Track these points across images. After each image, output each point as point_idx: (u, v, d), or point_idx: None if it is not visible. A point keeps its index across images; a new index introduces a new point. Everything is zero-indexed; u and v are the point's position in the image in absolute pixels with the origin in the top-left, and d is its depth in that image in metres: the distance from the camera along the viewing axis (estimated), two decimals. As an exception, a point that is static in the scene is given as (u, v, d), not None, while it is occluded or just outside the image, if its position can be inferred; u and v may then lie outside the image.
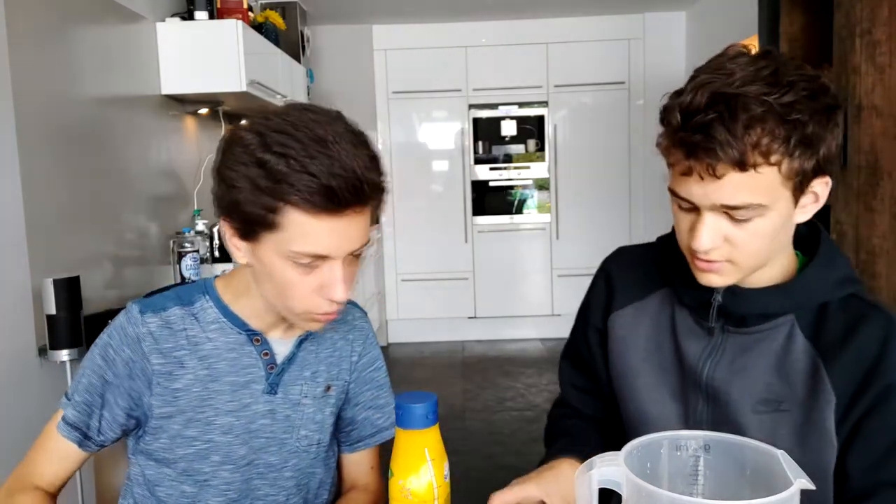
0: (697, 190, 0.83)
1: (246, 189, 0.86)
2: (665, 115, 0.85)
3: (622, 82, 5.09)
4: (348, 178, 0.85)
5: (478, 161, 5.24)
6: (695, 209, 0.86)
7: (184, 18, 2.85)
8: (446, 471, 0.72)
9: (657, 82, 5.01)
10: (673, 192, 0.88)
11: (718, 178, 0.80)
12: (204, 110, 3.21)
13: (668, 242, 1.02)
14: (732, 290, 0.92)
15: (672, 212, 0.92)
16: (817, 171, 0.84)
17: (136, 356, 0.98)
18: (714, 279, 0.90)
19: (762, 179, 0.80)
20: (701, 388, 0.96)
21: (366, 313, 1.19)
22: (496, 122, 5.25)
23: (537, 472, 0.93)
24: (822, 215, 0.97)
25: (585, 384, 1.14)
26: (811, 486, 0.61)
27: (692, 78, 0.85)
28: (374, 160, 0.90)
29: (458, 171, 5.20)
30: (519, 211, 5.29)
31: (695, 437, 0.73)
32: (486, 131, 5.26)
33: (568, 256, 5.13)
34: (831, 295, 0.92)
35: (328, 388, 1.08)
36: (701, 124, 0.79)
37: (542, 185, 5.26)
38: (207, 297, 1.02)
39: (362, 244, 0.93)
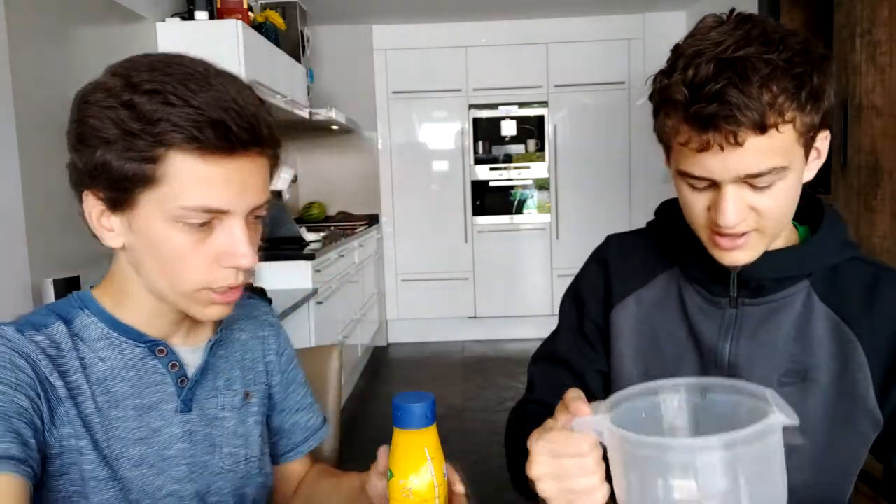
0: (717, 164, 0.80)
1: (113, 140, 0.72)
2: (666, 94, 0.83)
3: (622, 82, 5.09)
4: (241, 112, 0.73)
5: (478, 161, 5.24)
6: (711, 186, 0.84)
7: (184, 18, 2.85)
8: (445, 470, 0.73)
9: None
10: (684, 174, 0.85)
11: (740, 144, 0.78)
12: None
13: (664, 225, 1.00)
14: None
15: (680, 195, 0.89)
16: (822, 125, 0.83)
17: (33, 380, 0.75)
18: (739, 257, 0.86)
19: (781, 140, 0.79)
20: (722, 367, 0.93)
21: (272, 308, 1.07)
22: (496, 122, 5.25)
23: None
24: (815, 213, 0.98)
25: (571, 383, 1.10)
26: (793, 422, 0.60)
27: (677, 54, 0.83)
28: (263, 103, 0.78)
29: (458, 171, 5.20)
30: (519, 211, 5.30)
31: (687, 384, 0.70)
32: (486, 131, 5.26)
33: (568, 256, 5.13)
34: (840, 256, 0.92)
35: (247, 395, 0.95)
36: (714, 93, 0.77)
37: (542, 185, 5.26)
38: (87, 310, 0.84)
39: (264, 200, 0.79)
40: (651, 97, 0.89)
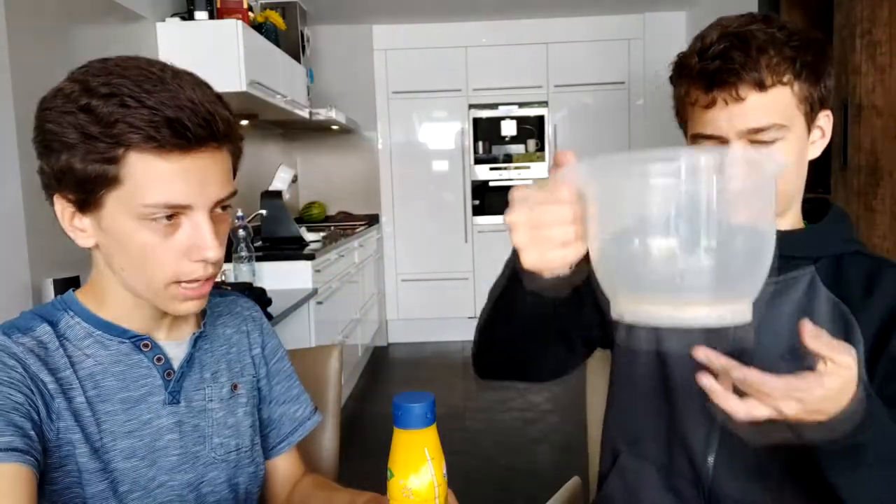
0: (722, 120, 0.89)
1: (75, 144, 0.74)
2: (682, 61, 0.94)
3: (622, 82, 5.09)
4: (196, 110, 0.75)
5: (478, 161, 5.24)
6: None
7: (184, 18, 2.85)
8: (445, 470, 0.73)
9: (657, 82, 5.01)
10: (696, 138, 0.93)
11: (742, 99, 0.87)
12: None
13: None
14: None
15: None
16: (823, 102, 0.92)
17: (24, 377, 0.78)
18: None
19: (779, 100, 0.89)
20: (726, 339, 0.96)
21: (254, 303, 1.08)
22: (496, 122, 5.25)
23: None
24: (822, 215, 1.03)
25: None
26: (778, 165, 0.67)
27: (695, 39, 0.94)
28: (220, 98, 0.80)
29: (458, 172, 5.20)
30: (519, 211, 5.29)
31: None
32: (486, 131, 5.26)
33: (568, 256, 5.12)
34: (844, 248, 0.98)
35: (234, 386, 0.97)
36: (718, 53, 0.88)
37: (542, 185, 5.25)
38: (70, 311, 0.86)
39: (228, 193, 0.81)
40: (671, 78, 0.97)
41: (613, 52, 5.07)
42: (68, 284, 1.87)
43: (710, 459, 0.98)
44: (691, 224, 0.63)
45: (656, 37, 5.01)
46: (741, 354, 0.95)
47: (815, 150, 0.97)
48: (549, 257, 0.71)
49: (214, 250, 0.80)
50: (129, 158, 0.74)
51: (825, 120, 0.95)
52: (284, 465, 1.06)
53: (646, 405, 1.04)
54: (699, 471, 0.98)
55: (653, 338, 0.81)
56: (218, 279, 2.90)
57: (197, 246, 0.79)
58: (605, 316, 1.07)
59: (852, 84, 2.29)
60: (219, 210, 0.82)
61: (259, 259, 2.96)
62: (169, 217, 0.78)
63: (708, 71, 0.89)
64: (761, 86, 0.87)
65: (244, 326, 1.02)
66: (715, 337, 0.70)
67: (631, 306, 0.67)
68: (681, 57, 0.94)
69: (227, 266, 2.84)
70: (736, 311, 0.66)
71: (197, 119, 0.75)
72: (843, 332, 0.93)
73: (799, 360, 0.91)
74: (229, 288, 2.33)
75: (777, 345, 0.94)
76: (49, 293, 1.85)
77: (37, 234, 1.93)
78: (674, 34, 4.98)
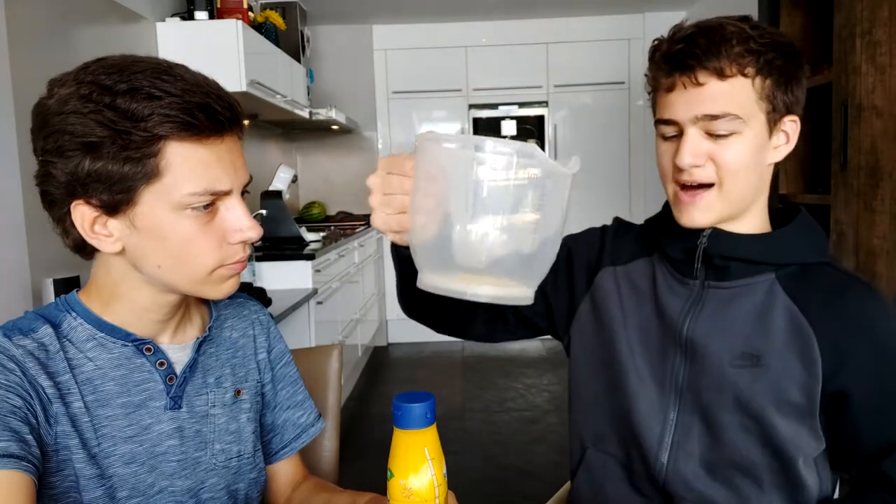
0: (680, 105, 0.90)
1: (102, 144, 0.72)
2: (654, 46, 0.95)
3: (622, 82, 5.09)
4: (220, 94, 0.77)
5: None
6: (677, 137, 0.93)
7: (184, 18, 2.85)
8: (444, 470, 0.73)
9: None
10: (658, 123, 0.95)
11: (701, 84, 0.88)
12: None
13: (656, 219, 1.07)
14: (717, 234, 0.95)
15: (656, 153, 0.98)
16: (789, 108, 0.92)
17: (22, 381, 0.76)
18: (697, 215, 0.93)
19: (738, 91, 0.88)
20: (680, 343, 0.98)
21: (262, 306, 1.07)
22: (496, 122, 5.25)
23: None
24: (823, 215, 1.01)
25: None
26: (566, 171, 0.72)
27: (673, 27, 0.95)
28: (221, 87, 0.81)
29: (458, 171, 5.19)
30: (519, 211, 5.29)
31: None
32: (486, 131, 5.25)
33: (568, 256, 5.12)
34: (811, 257, 0.96)
35: (238, 392, 0.95)
36: (684, 36, 0.90)
37: (542, 185, 5.26)
38: (73, 313, 0.84)
39: (250, 176, 0.84)
40: (648, 69, 0.99)
41: (613, 52, 5.07)
42: (68, 284, 1.87)
43: (664, 458, 0.98)
44: (486, 211, 0.69)
45: (656, 37, 5.00)
46: (689, 356, 0.97)
47: (778, 155, 0.95)
48: (389, 221, 0.78)
49: (255, 230, 0.82)
50: (167, 148, 0.74)
51: (791, 125, 0.94)
52: (286, 470, 1.05)
53: (604, 403, 1.05)
54: (652, 469, 0.99)
55: None
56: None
57: (237, 228, 0.81)
58: (550, 307, 1.12)
59: (852, 84, 2.29)
60: (243, 193, 0.84)
61: (259, 259, 2.96)
62: (206, 205, 0.78)
63: (671, 53, 0.90)
64: (720, 73, 0.87)
65: (251, 330, 1.01)
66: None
67: (434, 277, 0.74)
68: (654, 42, 0.96)
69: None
70: (520, 293, 0.74)
71: (222, 103, 0.77)
72: (798, 346, 0.91)
73: (748, 368, 0.93)
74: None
75: (726, 350, 0.94)
76: (49, 293, 1.85)
77: (37, 234, 1.93)
78: (674, 34, 4.98)
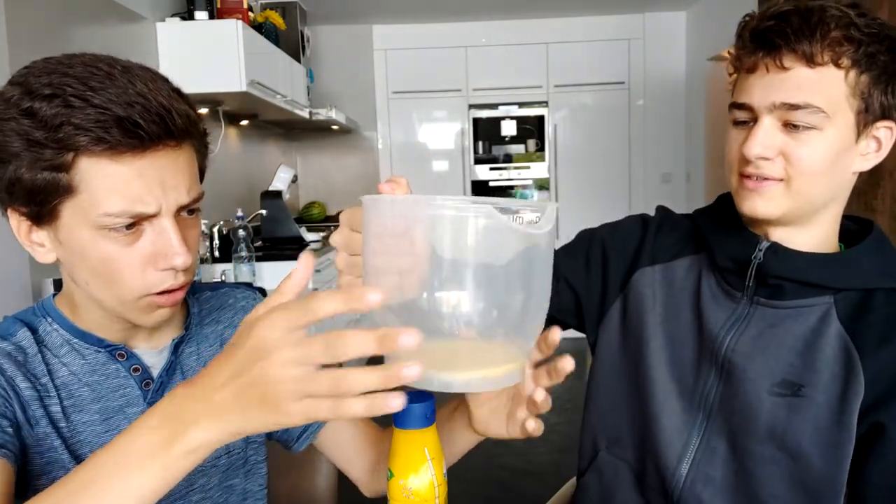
0: (758, 88, 0.81)
1: (20, 153, 0.68)
2: (743, 21, 0.85)
3: (622, 82, 5.09)
4: (148, 106, 0.69)
5: (478, 161, 5.24)
6: (750, 121, 0.84)
7: (184, 18, 2.85)
8: (445, 470, 0.72)
9: (657, 82, 5.01)
10: (732, 106, 0.86)
11: (786, 69, 0.79)
12: (204, 110, 3.21)
13: (707, 212, 0.99)
14: (775, 249, 0.86)
15: (726, 141, 0.89)
16: (885, 111, 0.82)
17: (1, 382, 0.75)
18: (760, 205, 0.84)
19: (828, 83, 0.79)
20: (717, 360, 0.90)
21: (251, 292, 1.01)
22: (496, 122, 5.26)
23: None
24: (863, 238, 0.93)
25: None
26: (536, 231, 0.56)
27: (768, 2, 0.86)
28: (178, 92, 0.74)
29: (458, 172, 5.20)
30: (519, 211, 5.29)
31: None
32: (486, 131, 5.26)
33: (568, 256, 5.12)
34: (877, 282, 0.85)
35: None
36: (778, 13, 0.80)
37: (542, 185, 5.26)
38: (49, 318, 0.82)
39: (194, 196, 0.75)
40: (734, 45, 0.89)
41: (613, 52, 5.07)
42: (68, 284, 1.87)
43: (681, 475, 0.91)
44: (455, 284, 0.56)
45: (656, 37, 5.01)
46: (724, 376, 0.88)
47: (866, 164, 0.84)
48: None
49: (183, 256, 0.73)
50: (81, 164, 0.68)
51: (886, 133, 0.83)
52: (343, 436, 0.96)
53: (625, 408, 0.99)
54: (667, 483, 0.92)
55: None
56: (218, 279, 2.90)
57: (163, 253, 0.73)
58: (580, 305, 1.03)
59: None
60: (184, 214, 0.76)
61: (259, 259, 2.96)
62: (129, 226, 0.71)
63: (758, 30, 0.80)
64: (810, 59, 0.77)
65: (237, 319, 0.95)
66: None
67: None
68: (745, 18, 0.85)
69: (227, 266, 2.84)
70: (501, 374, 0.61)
71: (150, 115, 0.68)
72: (843, 378, 0.82)
73: (787, 397, 0.84)
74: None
75: (766, 376, 0.86)
76: (49, 293, 1.85)
77: (37, 234, 1.93)
78: (674, 34, 4.98)
